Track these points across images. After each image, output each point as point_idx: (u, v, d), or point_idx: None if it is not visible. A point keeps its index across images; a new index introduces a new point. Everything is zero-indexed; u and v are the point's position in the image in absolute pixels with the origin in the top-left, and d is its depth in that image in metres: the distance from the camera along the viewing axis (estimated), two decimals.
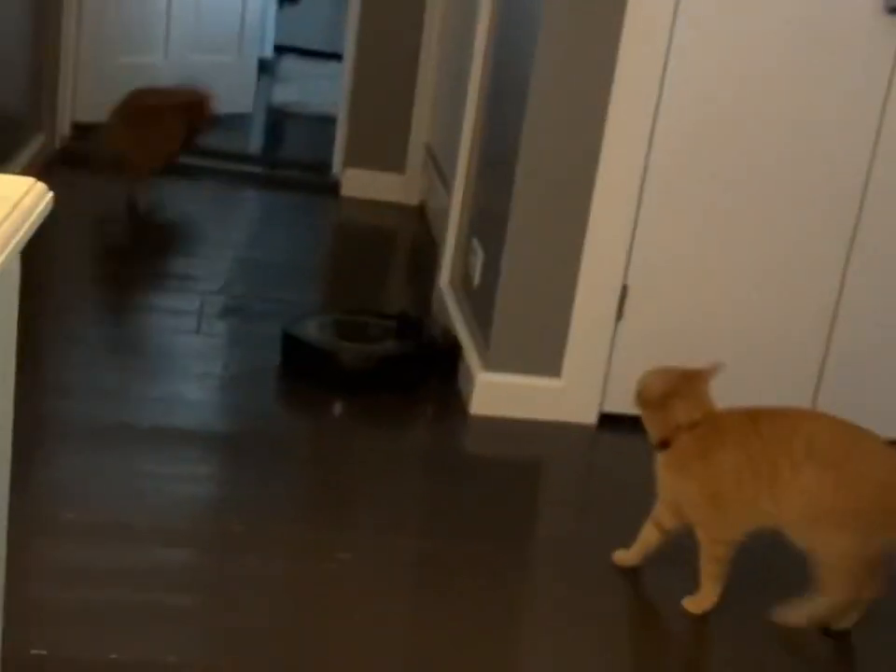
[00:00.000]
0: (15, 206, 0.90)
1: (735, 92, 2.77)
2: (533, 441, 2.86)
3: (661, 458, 2.20)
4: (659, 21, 2.69)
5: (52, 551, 2.11)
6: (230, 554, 2.19)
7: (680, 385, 2.17)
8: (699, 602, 2.18)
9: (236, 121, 5.40)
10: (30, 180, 0.97)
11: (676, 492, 2.19)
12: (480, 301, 3.07)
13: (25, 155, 4.05)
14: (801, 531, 2.07)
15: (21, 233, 0.89)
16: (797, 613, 2.12)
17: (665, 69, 2.73)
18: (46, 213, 0.95)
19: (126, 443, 2.53)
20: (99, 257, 3.61)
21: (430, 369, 3.05)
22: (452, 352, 3.06)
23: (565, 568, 2.34)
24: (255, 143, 5.41)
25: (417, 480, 2.62)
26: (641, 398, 2.21)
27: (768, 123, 2.80)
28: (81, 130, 4.68)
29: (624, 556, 2.29)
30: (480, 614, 2.13)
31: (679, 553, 2.27)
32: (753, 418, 2.14)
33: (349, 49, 4.55)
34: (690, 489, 2.16)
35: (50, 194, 0.97)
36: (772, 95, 2.78)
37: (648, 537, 2.26)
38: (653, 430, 2.20)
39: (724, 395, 2.77)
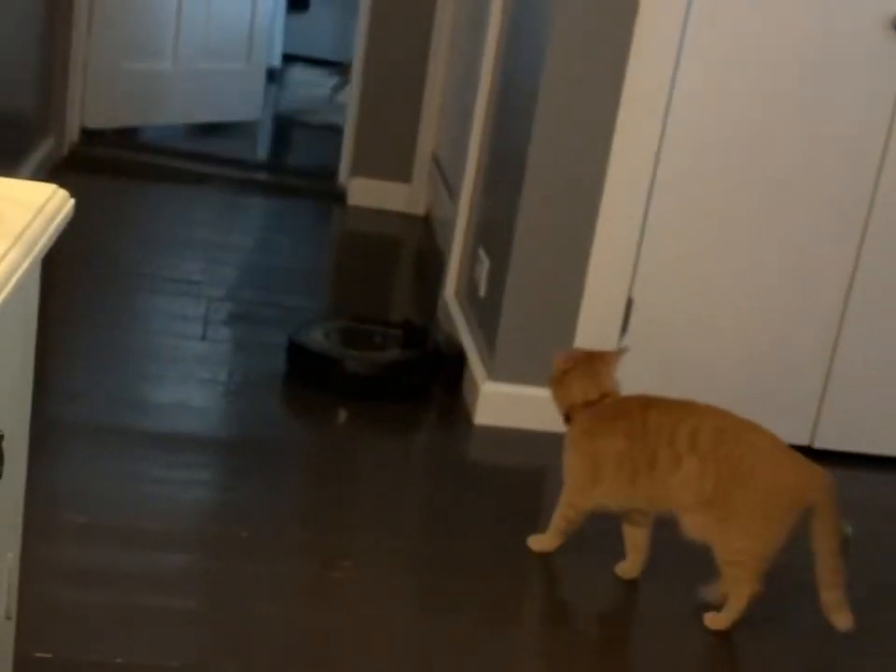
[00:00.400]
0: (38, 212, 0.91)
1: (743, 109, 2.78)
2: (536, 452, 2.86)
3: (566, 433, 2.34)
4: (668, 36, 2.70)
5: (57, 554, 2.12)
6: (234, 559, 2.20)
7: (581, 365, 2.30)
8: (542, 542, 2.35)
9: (244, 129, 5.43)
10: (52, 186, 0.99)
11: (567, 463, 2.32)
12: (485, 311, 3.08)
13: (34, 159, 4.07)
14: (685, 521, 2.17)
15: (44, 239, 0.90)
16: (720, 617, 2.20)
17: (673, 85, 2.74)
18: (68, 219, 0.96)
19: (131, 448, 2.54)
20: (105, 261, 3.62)
21: (435, 377, 3.06)
22: (456, 361, 3.08)
23: (566, 575, 2.35)
24: (262, 150, 5.44)
25: (421, 488, 2.63)
26: (552, 373, 2.35)
27: (775, 140, 2.81)
28: (90, 135, 4.71)
29: (539, 542, 2.37)
30: (482, 620, 2.14)
31: (689, 567, 2.28)
32: (646, 406, 2.25)
33: (357, 59, 4.57)
34: (574, 462, 2.30)
35: (72, 201, 0.99)
36: (779, 111, 2.79)
37: (557, 525, 2.35)
38: (557, 404, 2.35)
39: (730, 407, 2.78)
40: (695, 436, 2.16)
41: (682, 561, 2.30)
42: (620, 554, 2.35)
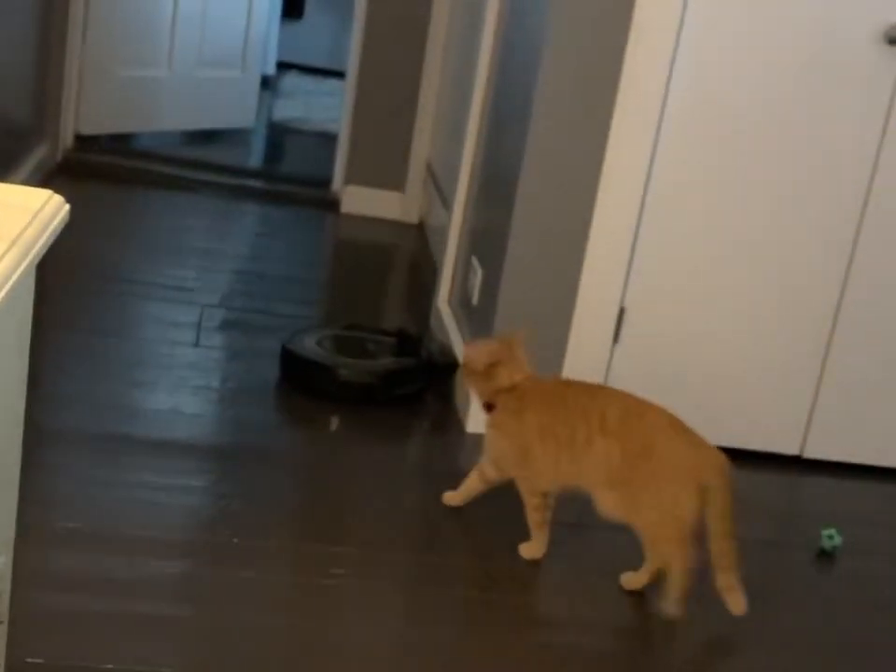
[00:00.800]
0: (34, 217, 0.91)
1: (736, 122, 2.80)
2: None
3: (487, 419, 2.43)
4: (661, 49, 2.72)
5: (50, 560, 2.12)
6: (226, 567, 2.20)
7: (503, 354, 2.39)
8: (531, 549, 2.39)
9: (238, 136, 5.43)
10: (47, 192, 0.99)
11: (495, 448, 2.42)
12: (478, 319, 3.09)
13: (28, 165, 4.07)
14: (599, 498, 2.27)
15: (39, 244, 0.91)
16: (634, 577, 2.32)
17: (666, 97, 2.76)
18: (63, 224, 0.97)
19: (124, 455, 2.54)
20: (98, 268, 3.62)
21: (428, 385, 3.07)
22: (449, 369, 3.08)
23: (558, 583, 2.35)
24: (256, 158, 5.44)
25: (413, 496, 2.63)
26: (468, 368, 2.43)
27: (767, 153, 2.82)
28: (84, 141, 4.71)
29: (452, 496, 2.52)
30: (472, 630, 2.14)
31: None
32: (565, 386, 2.40)
33: (352, 67, 4.58)
34: (505, 445, 2.39)
35: (67, 206, 0.99)
36: (772, 125, 2.80)
37: (471, 484, 2.49)
38: (480, 396, 2.44)
39: (722, 416, 2.80)
40: (604, 416, 2.25)
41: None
42: (622, 566, 2.36)
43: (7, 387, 1.04)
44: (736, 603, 2.20)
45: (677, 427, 2.24)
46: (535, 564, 2.38)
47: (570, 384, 2.42)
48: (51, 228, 0.94)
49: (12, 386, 1.06)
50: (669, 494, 2.20)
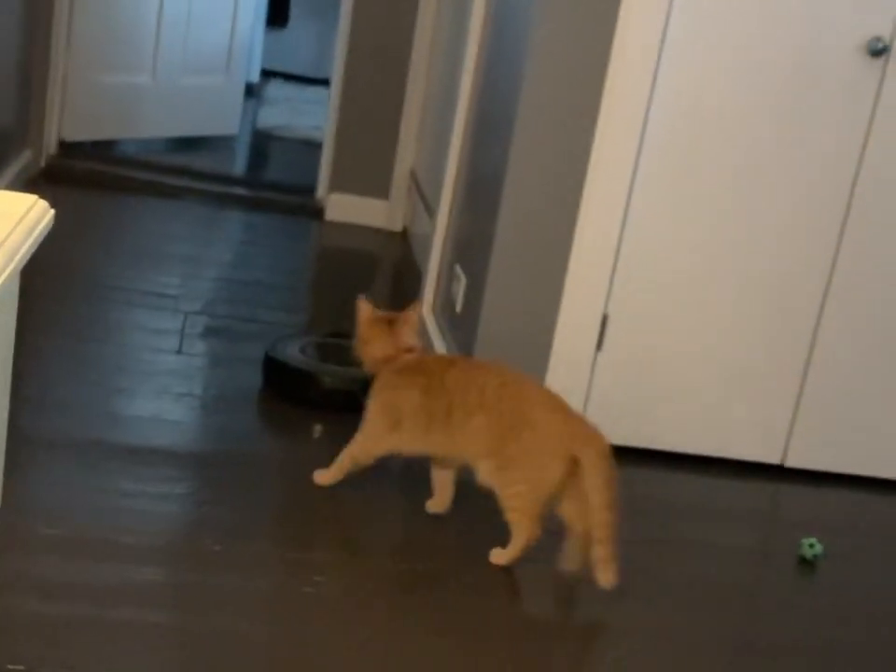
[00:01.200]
0: (19, 222, 0.91)
1: (719, 133, 2.81)
2: None
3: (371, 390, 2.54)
4: (644, 60, 2.73)
5: (30, 567, 2.11)
6: (207, 574, 2.19)
7: (382, 326, 2.51)
8: (324, 475, 2.55)
9: (222, 143, 5.43)
10: (32, 197, 0.99)
11: (369, 413, 2.50)
12: (462, 327, 3.09)
13: (11, 171, 4.06)
14: (477, 469, 2.36)
15: (23, 250, 0.91)
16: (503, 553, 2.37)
17: (648, 107, 2.77)
18: (48, 230, 0.97)
19: (105, 461, 2.54)
20: (82, 274, 3.62)
21: None
22: None
23: (539, 591, 2.35)
24: (240, 165, 5.44)
25: (395, 503, 2.63)
26: (360, 330, 2.55)
27: (749, 165, 2.84)
28: (68, 148, 4.70)
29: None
30: (453, 638, 2.14)
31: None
32: (448, 365, 2.50)
33: (336, 74, 4.58)
34: (374, 409, 2.50)
35: (52, 211, 0.99)
36: (755, 136, 2.82)
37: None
38: (365, 366, 2.56)
39: (704, 424, 2.81)
40: (483, 391, 2.35)
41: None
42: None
43: None
44: (607, 575, 2.25)
45: (553, 402, 2.35)
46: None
47: (455, 361, 2.54)
48: (36, 233, 0.94)
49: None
50: (533, 467, 2.30)
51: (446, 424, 2.39)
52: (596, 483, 2.24)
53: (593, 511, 2.24)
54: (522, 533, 2.34)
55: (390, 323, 2.52)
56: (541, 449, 2.30)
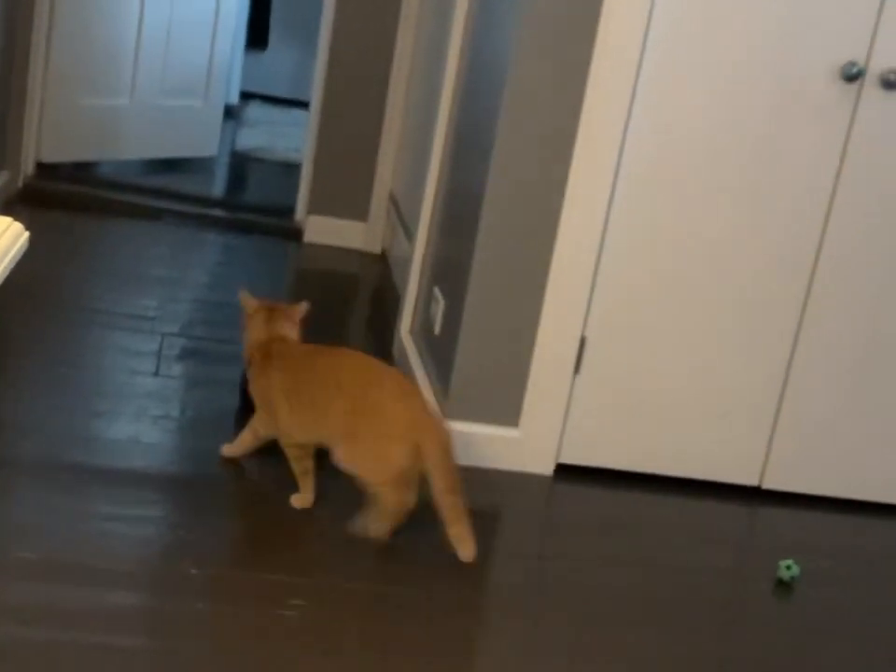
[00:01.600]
0: None
1: (693, 157, 2.83)
2: (489, 490, 2.87)
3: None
4: (622, 81, 2.75)
5: (4, 590, 2.09)
6: (183, 598, 2.18)
7: (260, 314, 2.67)
8: (300, 499, 2.60)
9: (201, 165, 5.42)
10: (7, 219, 0.98)
11: (255, 399, 2.66)
12: (440, 350, 3.09)
13: None
14: (335, 451, 2.49)
15: None
16: (360, 524, 2.49)
17: (626, 130, 2.79)
18: (22, 251, 0.96)
19: (81, 484, 2.52)
20: (58, 295, 3.60)
21: None
22: None
23: (517, 613, 2.35)
24: (219, 187, 5.43)
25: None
26: (246, 314, 2.70)
27: (724, 189, 2.86)
28: (46, 169, 4.69)
29: (229, 448, 2.73)
30: (433, 663, 2.13)
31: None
32: (315, 352, 2.62)
33: (315, 97, 4.59)
34: (256, 393, 2.65)
35: (27, 233, 0.98)
36: (729, 160, 2.84)
37: (245, 437, 2.71)
38: (244, 348, 2.70)
39: (682, 446, 2.82)
40: (343, 378, 2.50)
41: None
42: (580, 597, 2.36)
43: None
44: (465, 550, 2.42)
45: (405, 391, 2.49)
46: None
47: (321, 350, 2.63)
48: (11, 255, 0.94)
49: None
50: (384, 446, 2.45)
51: (312, 408, 2.52)
52: (442, 470, 2.40)
53: (440, 493, 2.40)
54: (388, 499, 2.45)
55: (270, 311, 2.67)
56: (388, 434, 2.44)
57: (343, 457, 2.48)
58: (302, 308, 2.71)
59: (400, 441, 2.43)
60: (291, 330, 2.69)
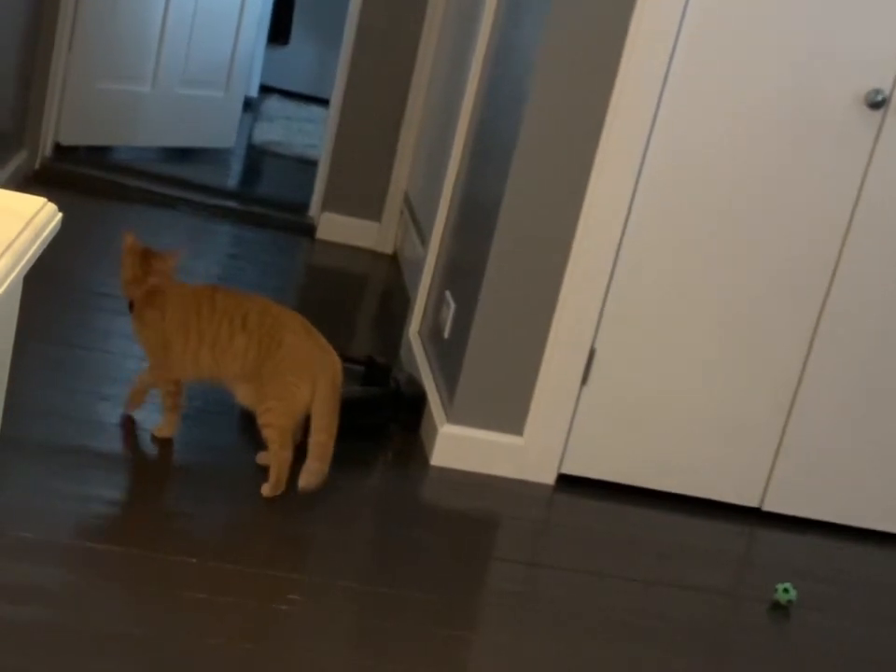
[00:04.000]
0: (28, 224, 0.91)
1: (713, 172, 2.83)
2: (490, 496, 2.87)
3: (132, 317, 2.73)
4: (645, 97, 2.75)
5: (3, 569, 2.10)
6: (181, 587, 2.18)
7: (136, 257, 2.68)
8: (163, 429, 2.73)
9: (217, 156, 5.43)
10: (41, 199, 0.99)
11: (142, 339, 2.72)
12: (448, 353, 3.10)
13: (5, 172, 4.05)
14: (236, 390, 2.63)
15: (32, 250, 0.91)
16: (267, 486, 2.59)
17: (647, 145, 2.79)
18: (55, 232, 0.97)
19: (84, 468, 2.52)
20: (69, 280, 3.60)
21: (395, 416, 3.07)
22: (417, 401, 3.08)
23: (511, 620, 2.35)
24: (234, 178, 5.44)
25: (373, 526, 2.63)
26: (124, 264, 2.71)
27: (742, 209, 2.86)
28: (63, 151, 4.69)
29: (129, 406, 2.80)
30: (425, 663, 2.14)
31: None
32: (214, 291, 2.67)
33: (336, 94, 4.59)
34: (148, 334, 2.69)
35: (60, 214, 0.99)
36: (749, 183, 2.84)
37: (136, 388, 2.79)
38: (126, 292, 2.72)
39: (684, 463, 2.81)
40: (246, 317, 2.59)
41: None
42: (578, 620, 2.36)
43: None
44: (307, 481, 2.53)
45: (306, 330, 2.61)
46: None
47: (220, 289, 2.70)
48: (44, 235, 0.94)
49: None
50: (289, 384, 2.55)
51: (212, 345, 2.60)
52: (323, 409, 2.53)
53: (317, 431, 2.53)
54: (275, 458, 2.57)
55: (145, 252, 2.69)
56: (292, 370, 2.55)
57: (247, 396, 2.60)
58: (179, 254, 2.74)
59: (304, 379, 2.54)
60: (166, 275, 2.70)
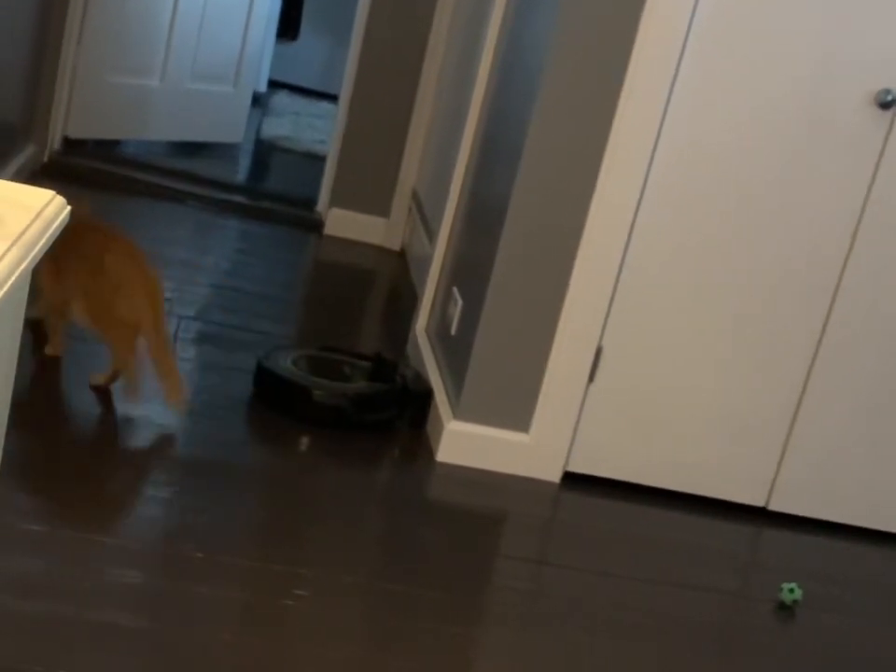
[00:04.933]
0: (37, 216, 0.91)
1: (721, 173, 2.83)
2: (496, 493, 2.87)
3: None
4: (654, 96, 2.75)
5: (8, 563, 2.10)
6: (186, 581, 2.18)
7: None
8: (50, 349, 2.96)
9: (225, 151, 5.43)
10: (50, 192, 0.99)
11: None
12: (455, 350, 3.09)
13: (14, 164, 4.05)
14: (74, 309, 2.87)
15: (41, 243, 0.91)
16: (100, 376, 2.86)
17: (657, 142, 2.79)
18: (63, 225, 0.97)
19: (91, 461, 2.52)
20: None
21: (401, 412, 3.07)
22: (423, 397, 3.08)
23: (516, 617, 2.35)
24: (242, 173, 5.44)
25: (379, 522, 2.63)
26: None
27: (750, 208, 2.85)
28: (71, 144, 4.70)
29: (50, 351, 2.98)
30: (431, 659, 2.14)
31: None
32: (76, 223, 2.92)
33: (345, 90, 4.59)
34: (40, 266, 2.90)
35: (68, 208, 0.99)
36: (759, 182, 2.84)
37: (48, 324, 2.97)
38: None
39: (690, 462, 2.80)
40: (83, 242, 2.81)
41: None
42: (579, 618, 2.35)
43: (1, 382, 1.03)
44: (175, 397, 2.75)
45: (136, 254, 2.86)
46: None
47: (84, 219, 2.78)
48: (53, 227, 0.94)
49: (3, 382, 1.06)
50: (109, 301, 2.81)
51: (66, 272, 2.85)
52: (155, 326, 2.77)
53: (153, 349, 2.76)
54: (116, 355, 2.82)
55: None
56: (124, 290, 2.79)
57: (82, 314, 2.86)
58: (87, 206, 2.89)
59: (136, 296, 2.79)
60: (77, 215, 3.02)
